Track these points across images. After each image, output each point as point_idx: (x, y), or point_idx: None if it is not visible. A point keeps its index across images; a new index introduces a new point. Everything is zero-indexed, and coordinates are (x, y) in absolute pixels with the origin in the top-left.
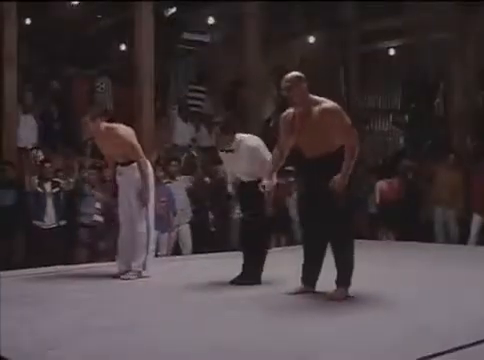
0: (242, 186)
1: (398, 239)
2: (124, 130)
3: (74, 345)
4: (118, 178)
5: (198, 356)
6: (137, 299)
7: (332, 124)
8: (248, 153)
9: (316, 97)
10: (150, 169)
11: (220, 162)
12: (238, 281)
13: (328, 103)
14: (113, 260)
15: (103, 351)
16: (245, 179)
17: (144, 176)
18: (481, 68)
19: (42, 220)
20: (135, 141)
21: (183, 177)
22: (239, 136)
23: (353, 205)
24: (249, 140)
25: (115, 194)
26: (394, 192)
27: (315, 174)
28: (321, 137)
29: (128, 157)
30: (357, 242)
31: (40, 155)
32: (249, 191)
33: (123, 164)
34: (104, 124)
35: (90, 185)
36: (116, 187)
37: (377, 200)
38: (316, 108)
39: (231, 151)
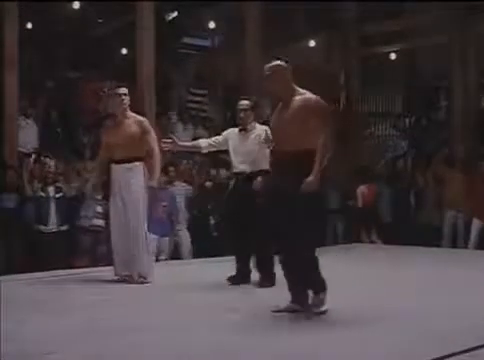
0: (245, 179)
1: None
2: (146, 120)
3: (74, 348)
4: (113, 177)
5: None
6: (140, 302)
7: (311, 116)
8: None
9: (300, 89)
10: None
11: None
12: (260, 283)
13: (311, 95)
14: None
15: (103, 353)
16: (249, 169)
17: (156, 166)
18: (482, 69)
19: (45, 225)
20: (153, 132)
21: (183, 184)
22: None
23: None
24: (262, 127)
25: (108, 196)
26: (371, 196)
27: (285, 171)
28: (298, 130)
29: (135, 152)
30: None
31: (51, 163)
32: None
33: (120, 162)
34: (129, 111)
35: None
36: (109, 188)
37: (360, 204)
38: (297, 98)
39: (245, 130)
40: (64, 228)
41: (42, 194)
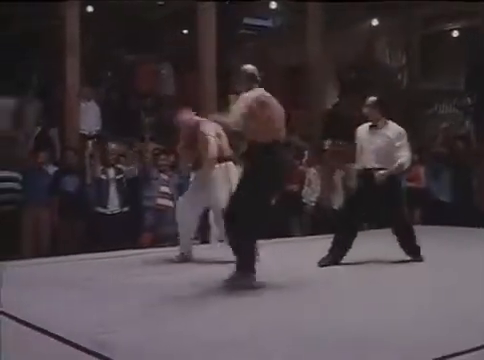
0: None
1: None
2: None
3: (129, 329)
4: None
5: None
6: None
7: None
8: (396, 134)
9: None
10: None
11: None
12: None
13: None
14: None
15: (155, 337)
16: (377, 165)
17: None
18: None
19: (105, 207)
20: None
21: None
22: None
23: None
24: (396, 124)
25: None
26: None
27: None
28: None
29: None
30: None
31: (111, 147)
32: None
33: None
34: None
35: (159, 170)
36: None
37: (422, 184)
38: None
39: (376, 126)
40: (126, 209)
41: (102, 176)
